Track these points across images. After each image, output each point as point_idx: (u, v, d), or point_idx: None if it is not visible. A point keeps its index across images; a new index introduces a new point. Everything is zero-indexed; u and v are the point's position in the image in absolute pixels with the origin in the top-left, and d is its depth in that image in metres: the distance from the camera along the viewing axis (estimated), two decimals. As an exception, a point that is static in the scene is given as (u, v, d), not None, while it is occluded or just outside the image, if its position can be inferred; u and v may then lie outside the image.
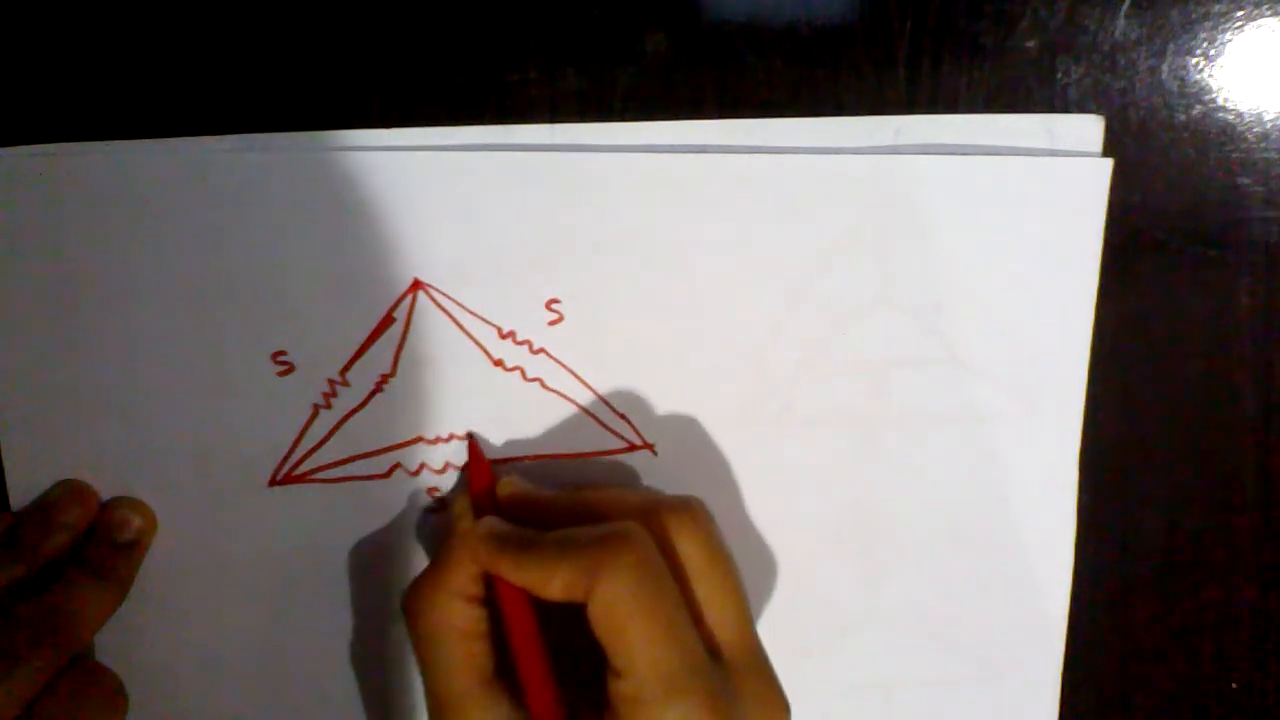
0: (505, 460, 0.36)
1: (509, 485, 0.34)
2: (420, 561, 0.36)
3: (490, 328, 0.35)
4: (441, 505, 0.36)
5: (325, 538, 0.36)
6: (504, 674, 0.31)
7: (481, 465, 0.35)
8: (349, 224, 0.34)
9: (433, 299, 0.35)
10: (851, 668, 0.38)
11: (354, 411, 0.35)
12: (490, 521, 0.32)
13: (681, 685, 0.28)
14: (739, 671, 0.30)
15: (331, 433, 0.35)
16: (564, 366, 0.35)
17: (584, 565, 0.29)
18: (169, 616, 0.36)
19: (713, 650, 0.30)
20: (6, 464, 0.34)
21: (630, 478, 0.37)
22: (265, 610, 0.36)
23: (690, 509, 0.32)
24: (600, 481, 0.36)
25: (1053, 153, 0.35)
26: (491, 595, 0.32)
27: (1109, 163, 0.35)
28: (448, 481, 0.36)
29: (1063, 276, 0.36)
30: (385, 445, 0.36)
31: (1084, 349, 0.37)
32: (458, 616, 0.31)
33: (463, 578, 0.31)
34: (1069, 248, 0.36)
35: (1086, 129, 0.35)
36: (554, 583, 0.29)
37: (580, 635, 0.30)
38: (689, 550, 0.31)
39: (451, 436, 0.36)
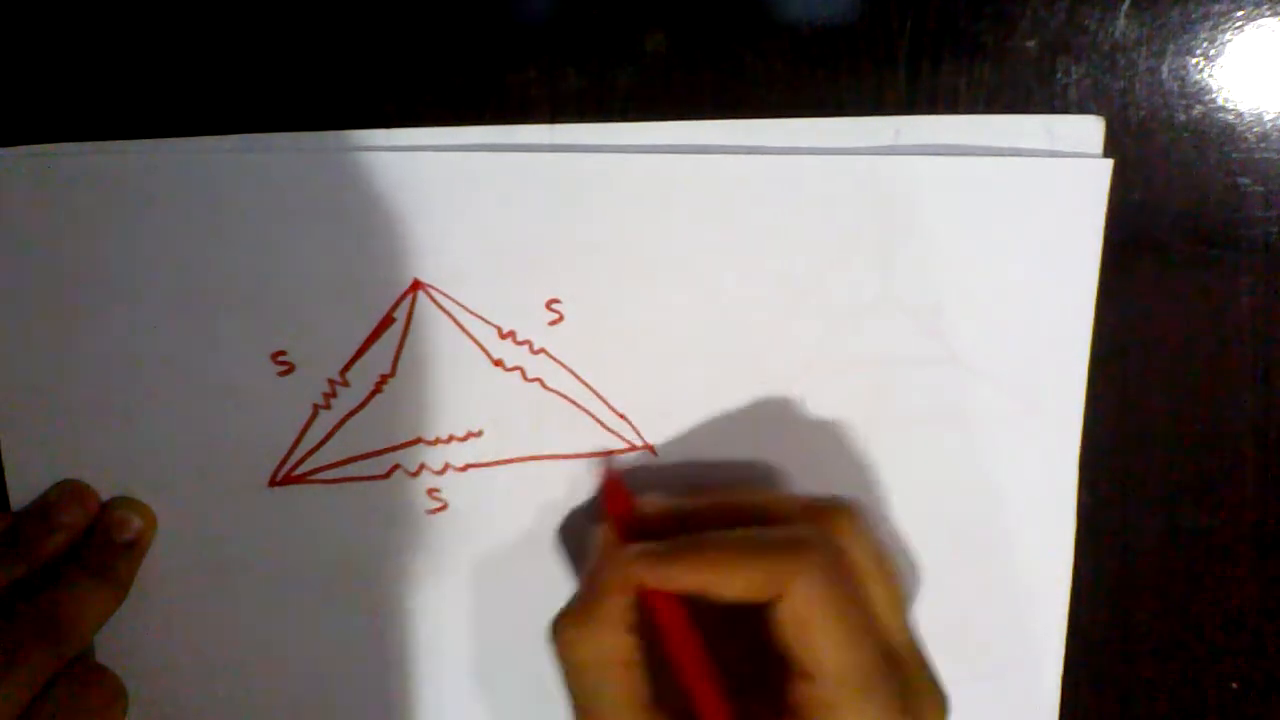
0: (506, 462, 0.36)
1: (650, 504, 0.33)
2: (420, 562, 0.36)
3: (490, 328, 0.35)
4: (443, 506, 0.36)
5: (325, 538, 0.36)
6: (660, 703, 0.31)
7: (618, 488, 0.34)
8: (349, 224, 0.34)
9: (433, 299, 0.35)
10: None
11: (354, 412, 0.35)
12: (643, 545, 0.31)
13: (874, 685, 0.28)
14: (911, 669, 0.30)
15: (331, 433, 0.35)
16: (564, 366, 0.35)
17: (774, 565, 0.29)
18: (169, 616, 0.36)
19: (888, 651, 0.30)
20: (6, 464, 0.35)
21: (770, 478, 0.36)
22: (265, 610, 0.36)
23: (852, 512, 0.32)
24: (737, 486, 0.36)
25: (1053, 153, 0.35)
26: (645, 625, 0.31)
27: (1109, 163, 0.35)
28: (447, 482, 0.36)
29: (1063, 277, 0.36)
30: (385, 446, 0.36)
31: (1084, 349, 0.37)
32: (613, 647, 0.30)
33: (617, 607, 0.31)
34: (1069, 248, 0.36)
35: (1087, 130, 0.35)
36: (736, 581, 0.29)
37: (738, 645, 0.30)
38: (858, 553, 0.31)
39: (451, 437, 0.36)
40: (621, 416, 0.36)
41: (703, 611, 0.30)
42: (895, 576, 0.31)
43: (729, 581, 0.29)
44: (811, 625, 0.28)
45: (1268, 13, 0.36)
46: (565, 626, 0.31)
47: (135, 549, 0.35)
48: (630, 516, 0.33)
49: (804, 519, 0.31)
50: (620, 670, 0.30)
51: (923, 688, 0.30)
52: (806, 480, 0.37)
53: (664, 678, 0.31)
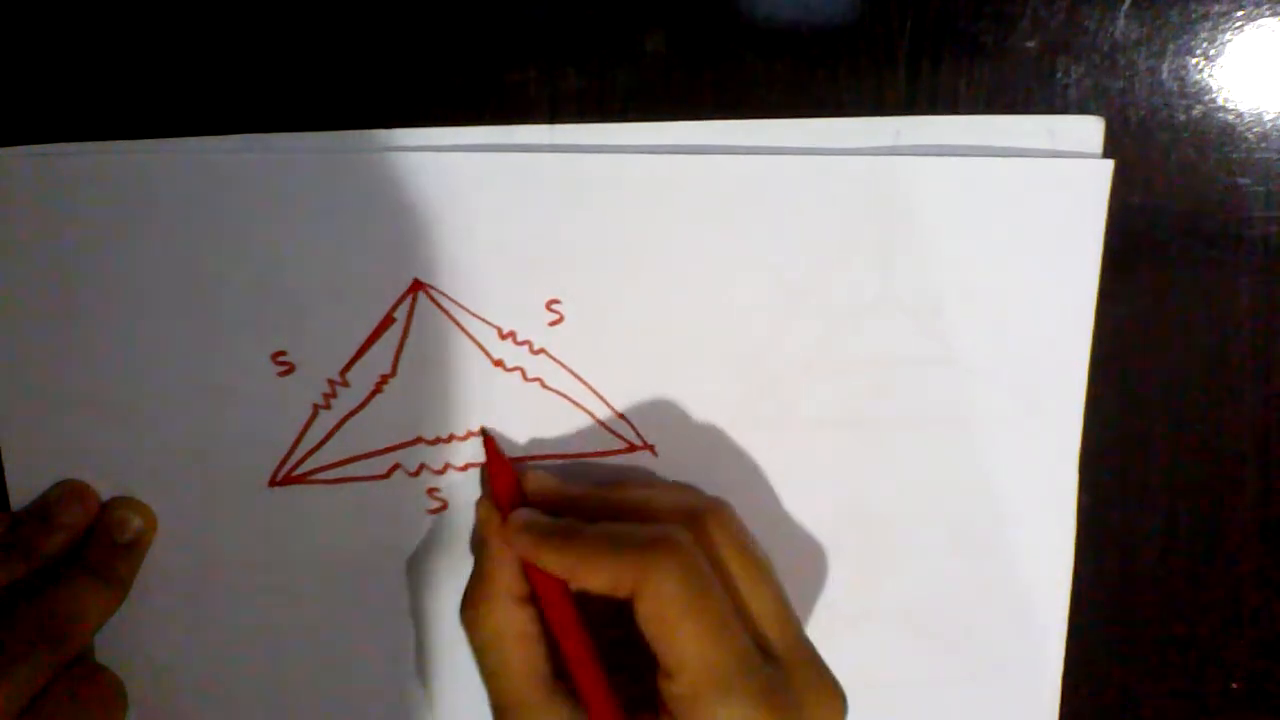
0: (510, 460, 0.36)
1: (536, 480, 0.34)
2: (419, 562, 0.36)
3: (490, 328, 0.35)
4: (443, 505, 0.36)
5: (325, 538, 0.36)
6: (563, 677, 0.31)
7: (502, 463, 0.34)
8: (349, 224, 0.34)
9: (433, 299, 0.35)
10: (851, 668, 0.38)
11: (354, 412, 0.35)
12: (525, 512, 0.32)
13: (735, 683, 0.28)
14: (790, 667, 0.30)
15: (331, 433, 0.35)
16: (564, 367, 0.35)
17: (632, 563, 0.29)
18: (169, 616, 0.36)
19: (762, 649, 0.30)
20: (6, 464, 0.35)
21: (643, 475, 0.37)
22: (265, 610, 0.36)
23: (722, 511, 0.32)
24: (628, 479, 0.36)
25: (1053, 154, 0.35)
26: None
27: (1109, 164, 0.35)
28: (448, 482, 0.36)
29: (1063, 277, 0.36)
30: (385, 446, 0.36)
31: (1084, 350, 0.37)
32: (509, 619, 0.31)
33: (506, 578, 0.32)
34: (1069, 249, 0.36)
35: (1087, 130, 0.35)
36: (599, 575, 0.30)
37: (625, 631, 0.30)
38: (726, 551, 0.31)
39: (451, 437, 0.36)
40: (621, 416, 0.36)
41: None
42: (768, 576, 0.32)
43: (590, 575, 0.30)
44: (666, 623, 0.29)
45: (1268, 13, 0.36)
46: (464, 606, 0.32)
47: (135, 549, 0.35)
48: (513, 488, 0.34)
49: (675, 518, 0.31)
50: (517, 643, 0.31)
51: (805, 684, 0.30)
52: (806, 480, 0.37)
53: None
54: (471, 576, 0.33)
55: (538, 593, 0.31)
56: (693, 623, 0.29)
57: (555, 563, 0.31)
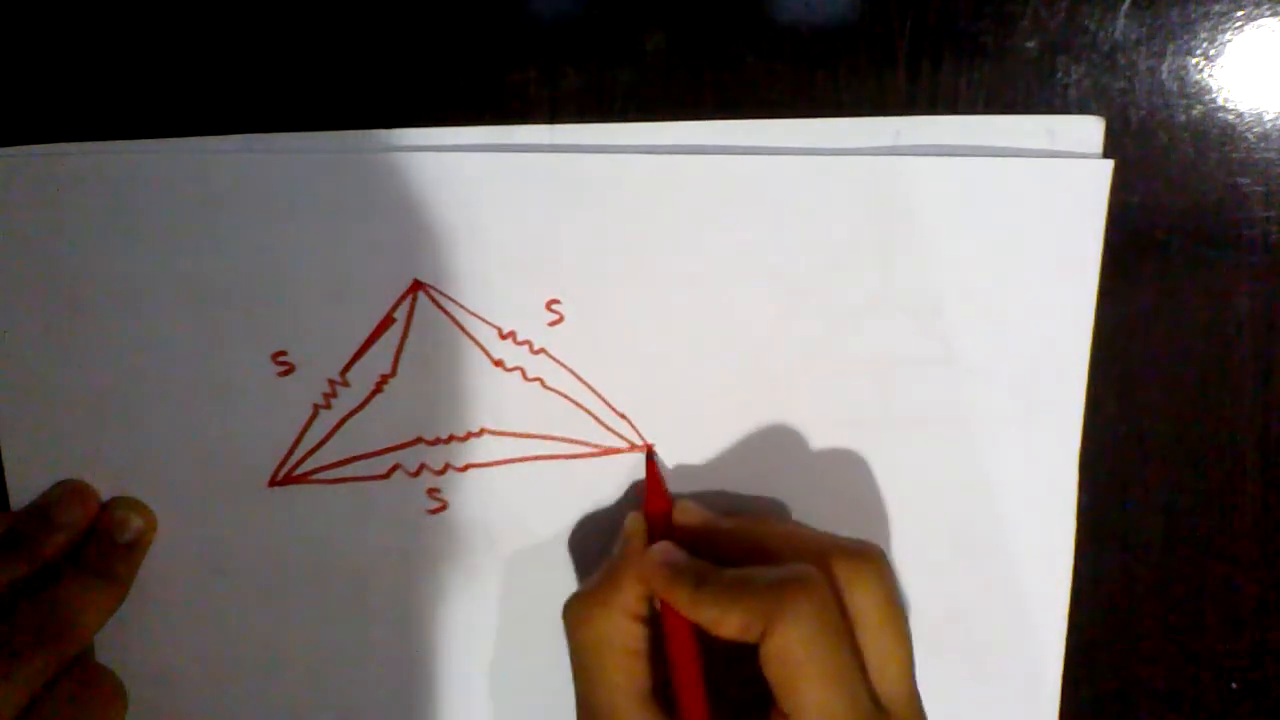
0: (506, 462, 0.36)
1: (686, 512, 0.34)
2: (419, 562, 0.36)
3: (490, 328, 0.35)
4: (443, 506, 0.36)
5: (325, 538, 0.36)
6: (659, 694, 0.31)
7: (659, 487, 0.35)
8: (349, 224, 0.34)
9: (433, 299, 0.35)
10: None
11: (354, 412, 0.35)
12: (666, 548, 0.32)
13: None
14: None
15: (331, 433, 0.35)
16: (564, 367, 0.35)
17: (761, 607, 0.29)
18: (169, 616, 0.36)
19: (878, 702, 0.30)
20: (6, 464, 0.35)
21: (788, 510, 0.37)
22: (265, 610, 0.36)
23: (870, 559, 0.31)
24: (778, 514, 0.36)
25: (1053, 154, 0.35)
26: (655, 616, 0.32)
27: (1109, 164, 0.35)
28: (448, 482, 0.36)
29: (1063, 278, 0.36)
30: (385, 446, 0.36)
31: (1084, 351, 0.36)
32: (621, 633, 0.31)
33: (631, 596, 0.31)
34: (1069, 249, 0.36)
35: (1087, 130, 0.35)
36: (728, 622, 0.29)
37: (741, 669, 0.30)
38: (864, 601, 0.31)
39: (451, 438, 0.36)
40: (621, 416, 0.36)
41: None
42: (902, 631, 0.31)
43: (722, 621, 0.30)
44: (788, 666, 0.29)
45: (1268, 13, 0.36)
46: (578, 605, 0.32)
47: (135, 549, 0.35)
48: (665, 517, 0.34)
49: (813, 558, 0.31)
50: (623, 656, 0.31)
51: None
52: (806, 480, 0.37)
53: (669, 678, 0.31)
54: (596, 577, 0.33)
55: (668, 625, 0.31)
56: (817, 670, 0.28)
57: (688, 607, 0.30)
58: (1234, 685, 0.40)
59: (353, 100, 0.35)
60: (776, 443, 0.36)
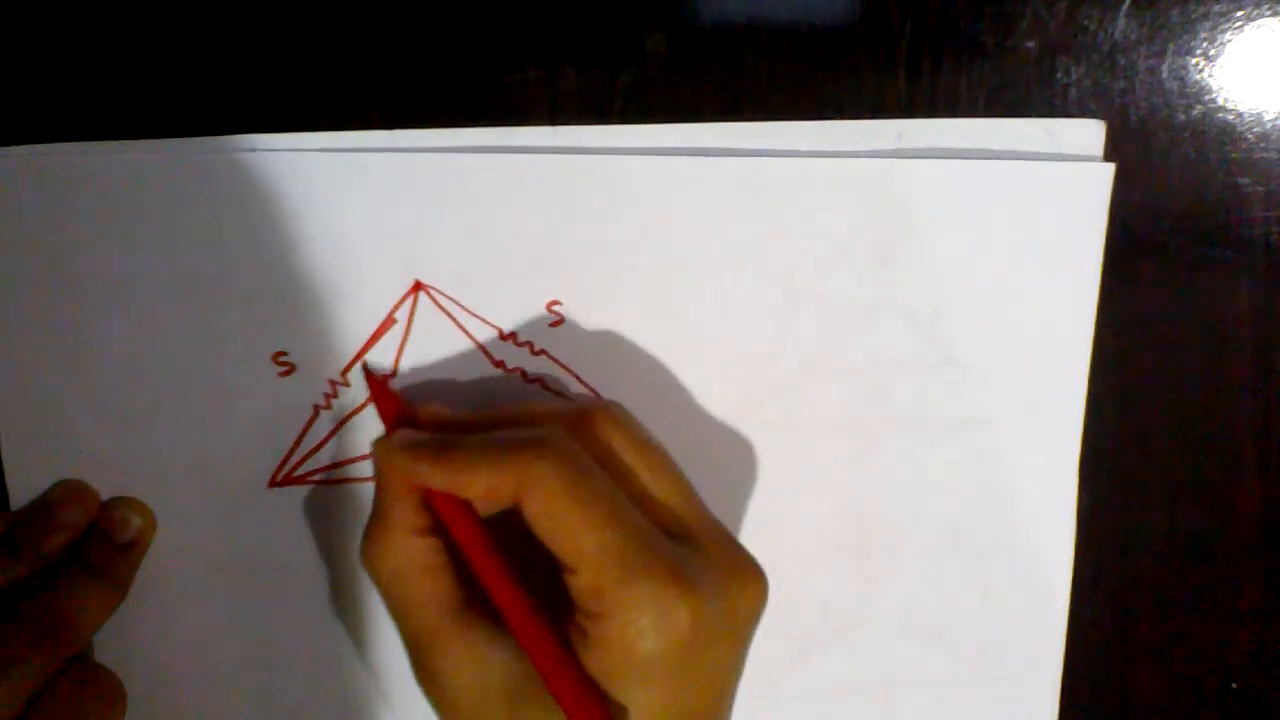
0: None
1: (429, 411, 0.33)
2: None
3: (491, 329, 0.35)
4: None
5: (325, 539, 0.36)
6: (473, 604, 0.31)
7: (387, 393, 0.34)
8: (350, 225, 0.34)
9: (434, 300, 0.35)
10: (851, 669, 0.38)
11: (355, 413, 0.35)
12: (404, 432, 0.31)
13: (639, 561, 0.28)
14: (702, 546, 0.30)
15: (332, 434, 0.35)
16: (565, 368, 0.35)
17: (509, 466, 0.29)
18: (169, 616, 0.36)
19: (670, 533, 0.30)
20: (6, 464, 0.34)
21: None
22: (264, 611, 0.36)
23: (609, 410, 0.32)
24: (519, 398, 0.36)
25: (1054, 157, 0.35)
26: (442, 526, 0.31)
27: (1110, 167, 0.35)
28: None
29: (1063, 280, 0.36)
30: (386, 447, 0.36)
31: (1084, 353, 0.37)
32: (410, 551, 0.31)
33: (403, 510, 0.31)
34: (1070, 252, 0.36)
35: (1088, 133, 0.35)
36: (478, 481, 0.29)
37: (533, 551, 0.29)
38: (618, 446, 0.31)
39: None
40: (622, 417, 0.36)
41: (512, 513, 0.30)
42: (667, 463, 0.31)
43: (470, 482, 0.29)
44: (555, 519, 0.28)
45: (1268, 13, 0.36)
46: (364, 544, 0.31)
47: (135, 549, 0.35)
48: (401, 418, 0.33)
49: (558, 422, 0.31)
50: (422, 576, 0.30)
51: (719, 561, 0.30)
52: (806, 482, 0.37)
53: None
54: (370, 516, 0.32)
55: (440, 515, 0.31)
56: (582, 511, 0.28)
57: (436, 476, 0.30)
58: (1234, 685, 0.40)
59: (353, 100, 0.35)
60: (777, 443, 0.36)
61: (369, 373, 0.35)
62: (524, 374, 0.35)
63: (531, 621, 0.29)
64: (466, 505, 0.30)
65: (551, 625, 0.29)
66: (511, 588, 0.29)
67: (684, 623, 0.28)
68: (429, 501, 0.31)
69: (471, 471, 0.29)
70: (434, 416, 0.33)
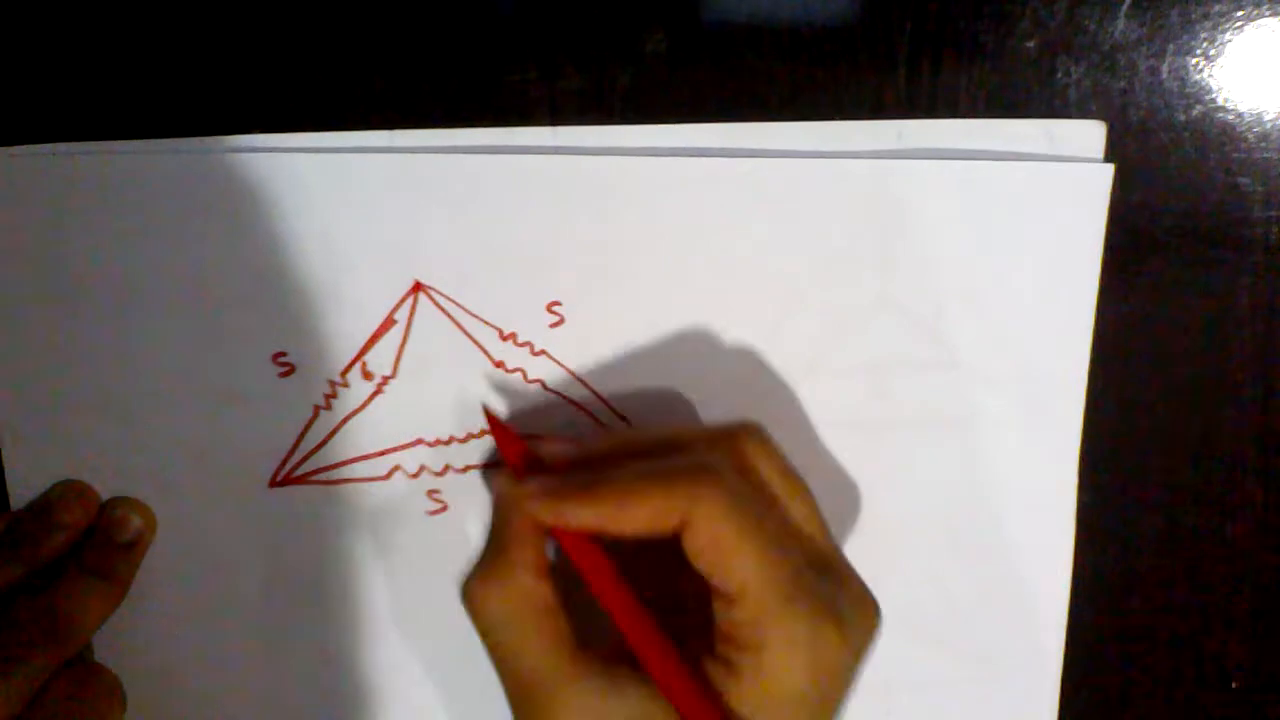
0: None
1: (551, 447, 0.32)
2: (419, 564, 0.36)
3: (491, 330, 0.35)
4: (443, 507, 0.36)
5: (325, 540, 0.36)
6: (587, 647, 0.30)
7: (508, 433, 0.33)
8: (351, 225, 0.34)
9: (434, 301, 0.35)
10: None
11: (355, 413, 0.35)
12: (538, 479, 0.30)
13: (799, 594, 0.28)
14: (841, 579, 0.31)
15: (332, 434, 0.35)
16: (566, 369, 0.35)
17: (674, 494, 0.28)
18: (169, 616, 0.36)
19: (809, 561, 0.30)
20: (6, 464, 0.35)
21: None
22: (265, 612, 0.36)
23: (754, 433, 0.31)
24: (648, 424, 0.35)
25: (1054, 158, 0.35)
26: (559, 570, 0.30)
27: (1110, 168, 0.35)
28: (448, 484, 0.36)
29: (1063, 281, 0.36)
30: (385, 447, 0.36)
31: (1084, 354, 0.37)
32: (529, 594, 0.30)
33: (526, 553, 0.30)
34: (1070, 253, 0.36)
35: (1088, 134, 0.35)
36: (640, 514, 0.28)
37: (660, 577, 0.29)
38: (767, 471, 0.31)
39: (452, 439, 0.36)
40: (622, 418, 0.36)
41: (627, 546, 0.29)
42: (806, 490, 0.31)
43: (630, 516, 0.28)
44: (722, 548, 0.28)
45: (1268, 13, 0.36)
46: (474, 586, 0.30)
47: (135, 549, 0.35)
48: (527, 459, 0.32)
49: (705, 446, 0.31)
50: (539, 618, 0.29)
51: (852, 594, 0.30)
52: (806, 481, 0.37)
53: (593, 617, 0.30)
54: (482, 554, 0.31)
55: (571, 554, 0.29)
56: (749, 542, 0.28)
57: (587, 515, 0.29)
58: (1234, 685, 0.40)
59: (353, 100, 0.35)
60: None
61: (491, 417, 0.33)
62: (524, 375, 0.35)
63: (671, 660, 0.29)
64: (598, 546, 0.30)
65: (688, 662, 0.29)
66: (648, 625, 0.29)
67: (834, 657, 0.28)
68: (557, 538, 0.30)
69: (631, 505, 0.28)
70: (557, 454, 0.32)
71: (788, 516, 0.31)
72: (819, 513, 0.31)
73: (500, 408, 0.35)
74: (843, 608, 0.29)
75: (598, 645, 0.30)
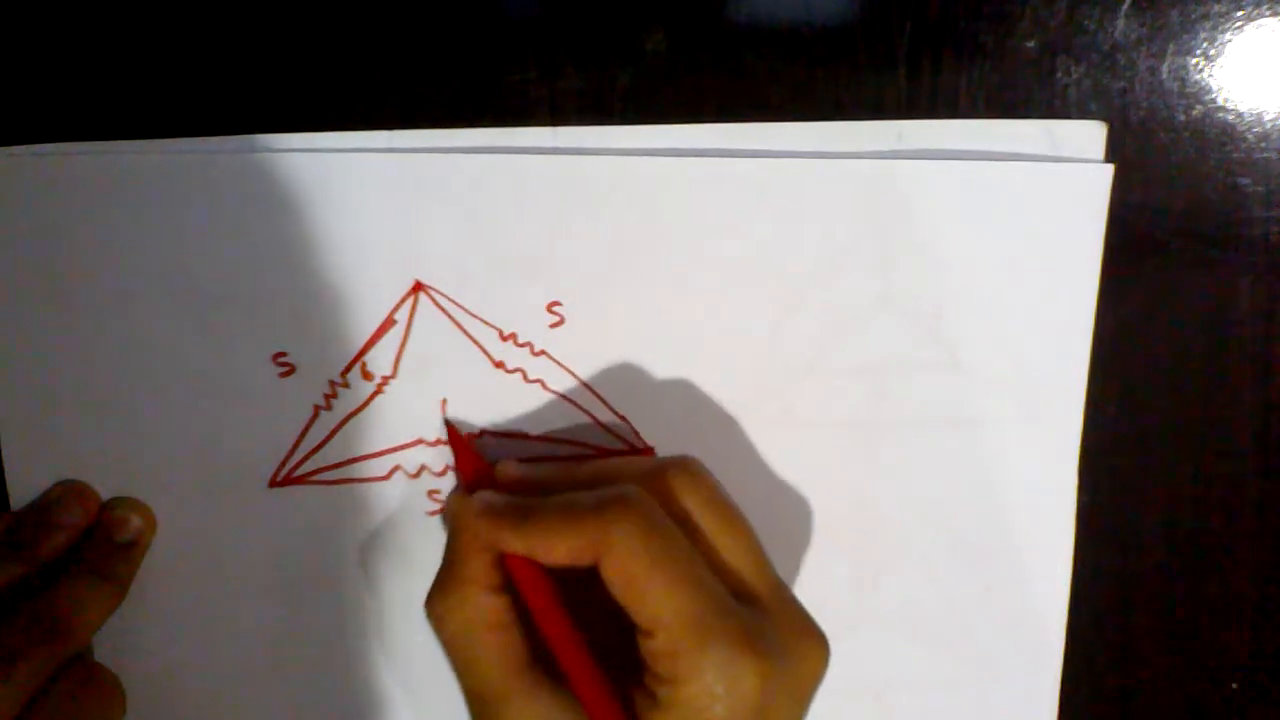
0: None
1: (506, 469, 0.34)
2: (420, 564, 0.36)
3: (492, 330, 0.35)
4: (443, 508, 0.36)
5: (325, 540, 0.36)
6: (542, 663, 0.31)
7: (467, 450, 0.34)
8: (350, 225, 0.34)
9: (434, 301, 0.35)
10: (850, 669, 0.38)
11: (355, 413, 0.35)
12: (484, 495, 0.32)
13: (714, 629, 0.28)
14: (769, 611, 0.30)
15: (332, 434, 0.35)
16: (565, 369, 0.35)
17: (590, 527, 0.29)
18: (169, 617, 0.36)
19: (739, 595, 0.30)
20: (6, 464, 0.35)
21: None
22: (264, 611, 0.36)
23: (683, 465, 0.32)
24: (595, 457, 0.36)
25: (1054, 158, 0.35)
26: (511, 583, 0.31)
27: (1109, 168, 0.35)
28: (448, 484, 0.36)
29: (1063, 281, 0.36)
30: (386, 448, 0.36)
31: (1084, 354, 0.37)
32: (480, 609, 0.30)
33: (476, 567, 0.31)
34: (1070, 253, 0.36)
35: (1088, 134, 0.35)
36: (559, 547, 0.29)
37: (600, 609, 0.29)
38: (693, 505, 0.31)
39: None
40: (622, 419, 0.36)
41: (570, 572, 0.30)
42: (738, 524, 0.31)
43: (551, 548, 0.29)
44: (634, 582, 0.28)
45: (1268, 13, 0.36)
46: (432, 600, 0.31)
47: (135, 549, 0.35)
48: (482, 476, 0.33)
49: (637, 481, 0.31)
50: (490, 633, 0.30)
51: (785, 626, 0.30)
52: (806, 482, 0.37)
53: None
54: (440, 569, 0.32)
55: (513, 575, 0.31)
56: (661, 575, 0.28)
57: (517, 541, 0.30)
58: (1234, 685, 0.40)
59: (353, 100, 0.35)
60: (777, 445, 0.36)
61: (452, 429, 0.35)
62: (524, 375, 0.35)
63: (597, 687, 0.29)
64: (539, 567, 0.30)
65: (618, 690, 0.29)
66: (578, 651, 0.30)
67: (753, 689, 0.28)
68: (503, 558, 0.31)
69: (552, 537, 0.29)
70: (511, 476, 0.33)
71: (713, 550, 0.31)
72: (755, 545, 0.31)
73: (501, 407, 0.35)
74: (772, 641, 0.29)
75: (550, 662, 0.30)
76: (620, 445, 0.36)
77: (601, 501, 0.29)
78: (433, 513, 0.36)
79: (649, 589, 0.28)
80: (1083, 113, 0.36)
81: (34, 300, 0.34)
